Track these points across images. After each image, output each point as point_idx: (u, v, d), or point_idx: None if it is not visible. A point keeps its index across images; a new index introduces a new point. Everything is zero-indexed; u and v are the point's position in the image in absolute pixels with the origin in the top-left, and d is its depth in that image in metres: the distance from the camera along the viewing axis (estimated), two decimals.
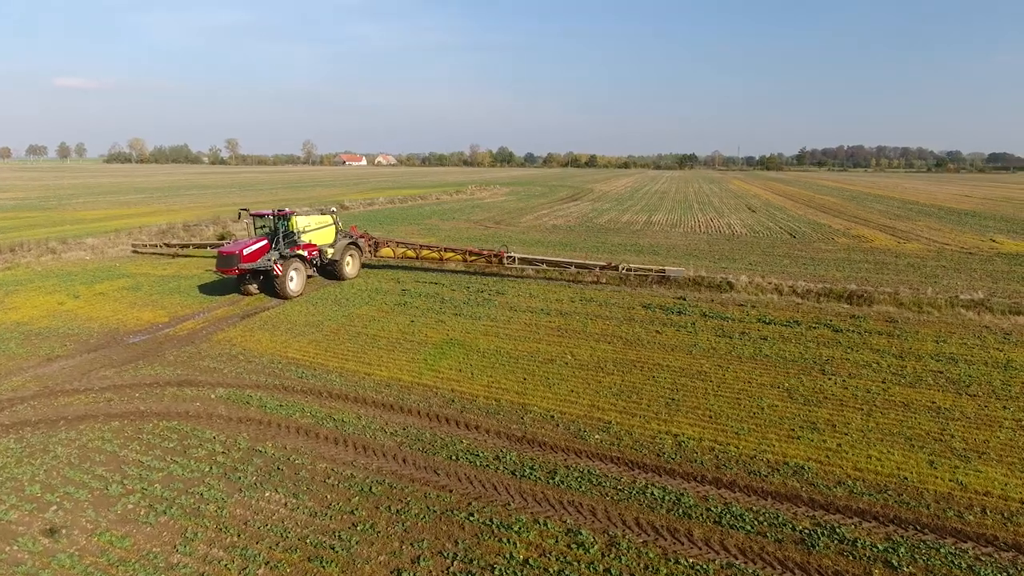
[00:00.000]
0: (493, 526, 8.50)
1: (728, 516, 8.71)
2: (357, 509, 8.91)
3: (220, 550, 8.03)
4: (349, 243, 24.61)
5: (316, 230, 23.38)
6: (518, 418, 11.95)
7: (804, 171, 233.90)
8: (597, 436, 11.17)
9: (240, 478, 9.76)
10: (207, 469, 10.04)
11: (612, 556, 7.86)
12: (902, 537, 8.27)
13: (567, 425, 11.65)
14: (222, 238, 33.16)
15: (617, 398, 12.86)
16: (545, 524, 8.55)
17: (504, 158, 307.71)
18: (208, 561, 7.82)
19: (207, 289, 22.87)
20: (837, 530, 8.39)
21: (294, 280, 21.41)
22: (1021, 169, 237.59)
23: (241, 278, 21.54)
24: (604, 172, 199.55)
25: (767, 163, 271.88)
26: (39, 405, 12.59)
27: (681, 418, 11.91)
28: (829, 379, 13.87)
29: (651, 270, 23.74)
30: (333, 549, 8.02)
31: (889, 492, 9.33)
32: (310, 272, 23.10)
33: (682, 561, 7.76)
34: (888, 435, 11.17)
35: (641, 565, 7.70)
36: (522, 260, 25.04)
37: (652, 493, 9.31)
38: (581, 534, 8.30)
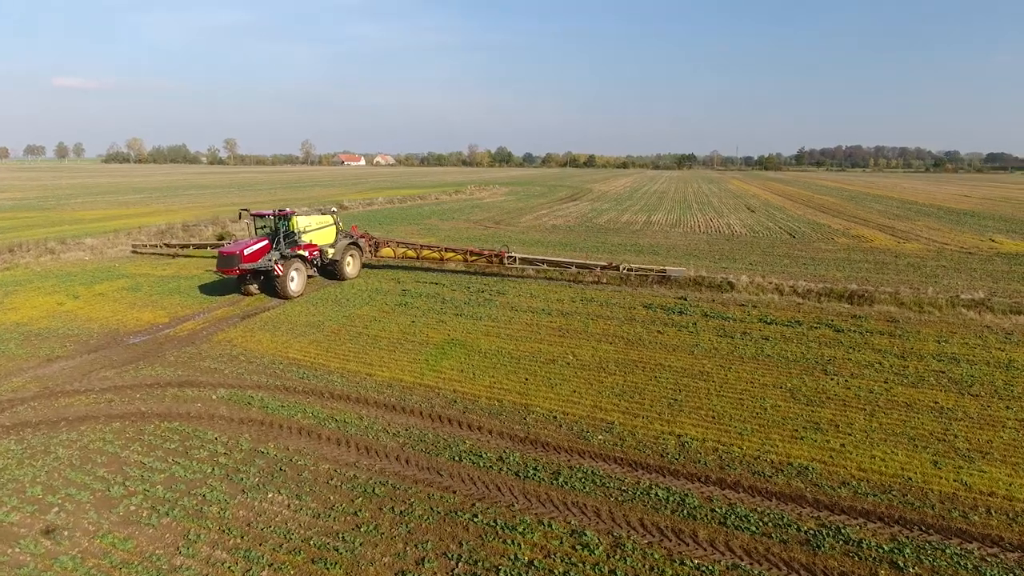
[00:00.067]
0: (497, 527, 8.47)
1: (733, 517, 8.69)
2: (360, 510, 8.87)
3: (223, 552, 7.99)
4: (350, 243, 24.57)
5: (317, 230, 23.34)
6: (521, 419, 11.92)
7: (803, 171, 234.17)
8: (600, 437, 11.15)
9: (242, 479, 9.72)
10: (209, 470, 10.00)
11: (617, 557, 7.83)
12: (907, 538, 8.25)
13: (570, 426, 11.62)
14: (221, 238, 33.09)
15: (620, 398, 12.83)
16: (549, 525, 8.52)
17: (503, 158, 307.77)
18: (211, 563, 7.78)
19: (207, 289, 22.82)
20: (842, 531, 8.37)
21: (295, 280, 21.37)
22: (1019, 169, 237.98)
23: (242, 278, 21.49)
24: (603, 172, 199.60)
25: (766, 163, 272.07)
26: (40, 406, 12.54)
27: (684, 418, 11.88)
28: (831, 379, 13.86)
29: (652, 270, 23.73)
30: (337, 551, 7.99)
31: (893, 492, 9.32)
32: (311, 272, 23.05)
33: (687, 562, 7.74)
34: (891, 435, 11.16)
35: (646, 566, 7.68)
36: (523, 260, 25.01)
37: (656, 494, 9.29)
38: (586, 535, 8.27)
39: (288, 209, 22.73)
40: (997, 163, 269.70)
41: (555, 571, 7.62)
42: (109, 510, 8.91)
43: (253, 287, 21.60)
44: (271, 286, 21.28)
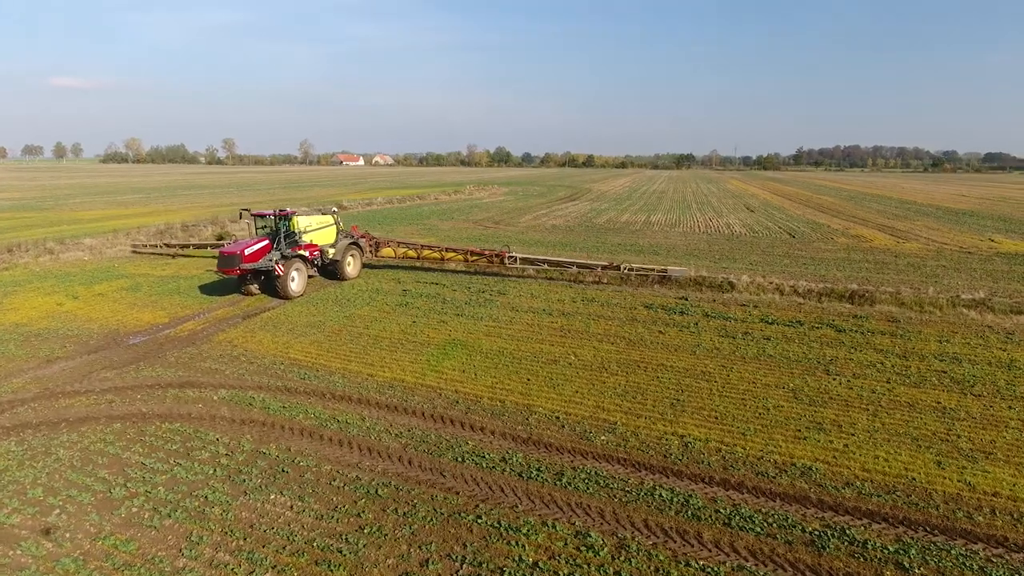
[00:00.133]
0: (501, 528, 8.44)
1: (737, 518, 8.67)
2: (363, 512, 8.84)
3: (226, 554, 7.95)
4: (350, 243, 24.53)
5: (317, 230, 23.29)
6: (523, 419, 11.89)
7: (801, 171, 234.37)
8: (603, 437, 11.12)
9: (245, 480, 9.68)
10: (211, 471, 9.96)
11: (622, 559, 7.80)
12: (912, 538, 8.23)
13: (572, 426, 11.59)
14: (220, 238, 33.02)
15: (622, 399, 12.81)
16: (554, 526, 8.49)
17: (501, 158, 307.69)
18: (214, 565, 7.74)
19: (207, 289, 22.76)
20: (847, 531, 8.35)
21: (295, 280, 21.32)
22: (1017, 169, 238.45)
23: (242, 278, 21.44)
24: (601, 172, 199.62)
25: (764, 163, 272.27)
26: (40, 407, 12.49)
27: (687, 419, 11.86)
28: (834, 379, 13.84)
29: (653, 270, 23.70)
30: (340, 552, 7.95)
31: (898, 493, 9.30)
32: (311, 272, 23.00)
33: (693, 563, 7.71)
34: (895, 435, 11.14)
35: (652, 568, 7.65)
36: (523, 260, 24.99)
37: (660, 495, 9.26)
38: (590, 536, 8.24)
39: (289, 209, 22.68)
40: (995, 163, 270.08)
41: (560, 573, 7.59)
42: (111, 512, 8.87)
43: (254, 287, 21.55)
44: (272, 286, 21.23)
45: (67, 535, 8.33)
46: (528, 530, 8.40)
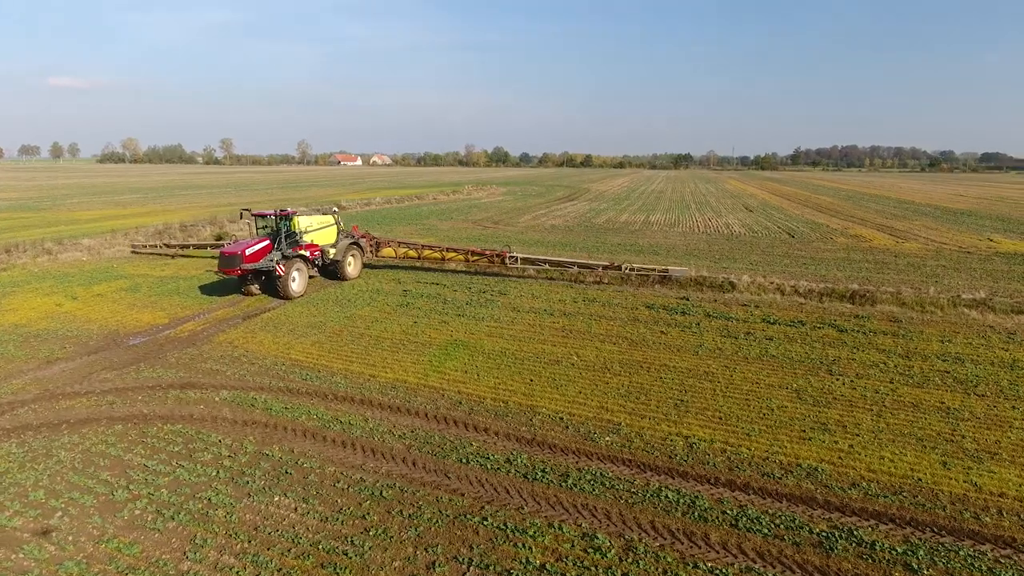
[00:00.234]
0: (507, 530, 8.39)
1: (744, 519, 8.63)
2: (369, 514, 8.78)
3: (231, 557, 7.89)
4: (351, 243, 24.47)
5: (318, 230, 23.22)
6: (527, 420, 11.85)
7: (799, 171, 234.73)
8: (607, 438, 11.08)
9: (248, 482, 9.62)
10: (214, 473, 9.89)
11: (630, 560, 7.76)
12: (920, 539, 8.21)
13: (576, 427, 11.55)
14: (219, 238, 32.93)
15: (625, 399, 12.77)
16: (560, 528, 8.44)
17: (499, 158, 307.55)
18: (219, 568, 7.68)
19: (206, 290, 22.67)
20: (855, 533, 8.32)
21: (296, 280, 21.25)
22: (1014, 169, 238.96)
23: (243, 278, 21.37)
24: (600, 172, 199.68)
25: (762, 163, 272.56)
26: (40, 408, 12.40)
27: (691, 419, 11.83)
28: (837, 379, 13.83)
29: (654, 270, 23.68)
30: (346, 555, 7.89)
31: (904, 494, 9.28)
32: (312, 272, 22.93)
33: (701, 565, 7.67)
34: (899, 436, 11.12)
35: (660, 570, 7.61)
36: (524, 260, 24.95)
37: (666, 496, 9.22)
38: (597, 538, 8.20)
39: (290, 209, 22.61)
40: (992, 163, 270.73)
41: (568, 575, 7.55)
42: (113, 514, 8.80)
43: (254, 287, 21.48)
44: (272, 286, 21.16)
45: (69, 538, 8.26)
46: (535, 532, 8.35)
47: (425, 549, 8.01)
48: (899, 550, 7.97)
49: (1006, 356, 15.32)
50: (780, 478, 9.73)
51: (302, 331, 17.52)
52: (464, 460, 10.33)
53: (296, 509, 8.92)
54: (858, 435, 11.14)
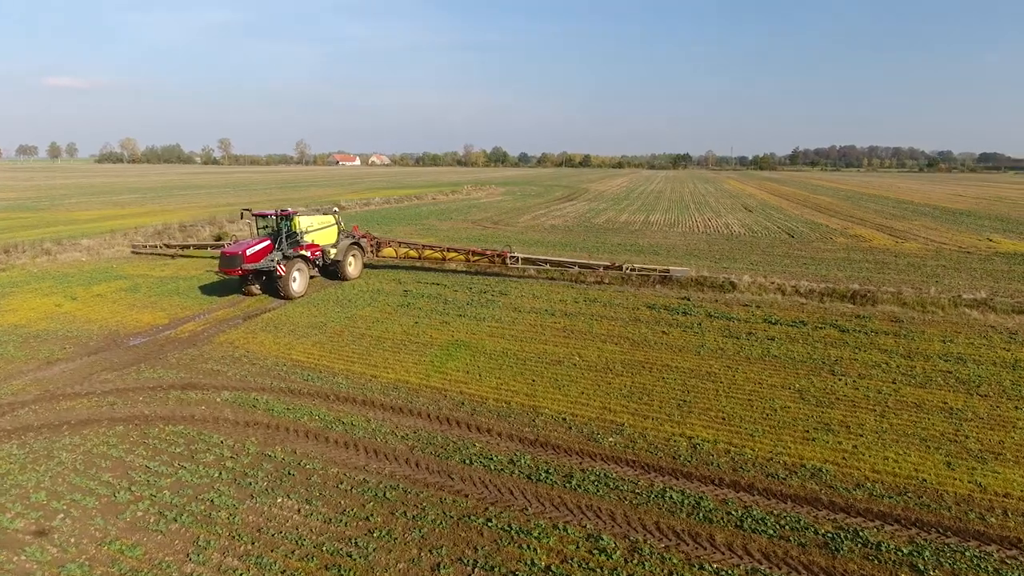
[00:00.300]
0: (512, 532, 8.36)
1: (749, 520, 8.61)
2: (372, 515, 8.75)
3: (234, 559, 7.85)
4: (351, 243, 24.43)
5: (319, 230, 23.17)
6: (530, 421, 11.82)
7: (797, 171, 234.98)
8: (611, 439, 11.05)
9: (251, 484, 9.58)
10: (216, 475, 9.85)
11: (635, 562, 7.74)
12: (926, 540, 8.19)
13: (580, 428, 11.52)
14: (219, 239, 32.86)
15: (628, 400, 12.74)
16: (565, 529, 8.41)
17: (498, 158, 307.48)
18: (223, 570, 7.64)
19: (206, 290, 22.61)
20: (860, 533, 8.30)
21: (297, 280, 21.20)
22: (1012, 169, 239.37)
23: (244, 279, 21.32)
24: (598, 172, 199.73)
25: (760, 163, 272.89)
26: (41, 409, 12.35)
27: (694, 420, 11.80)
28: (839, 380, 13.81)
29: (655, 270, 23.67)
30: (351, 557, 7.85)
31: (909, 494, 9.26)
32: (313, 272, 22.89)
33: (707, 567, 7.65)
34: (903, 436, 11.11)
35: (665, 571, 7.59)
36: (525, 260, 24.93)
37: (671, 497, 9.20)
38: (602, 539, 8.17)
39: (290, 209, 22.56)
40: (990, 163, 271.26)
41: None
42: (116, 516, 8.75)
43: (255, 287, 21.43)
44: (273, 286, 21.11)
45: (72, 540, 8.21)
46: (539, 533, 8.32)
47: (430, 551, 7.98)
48: (905, 551, 7.95)
49: (1008, 356, 15.32)
50: (784, 479, 9.71)
51: (303, 331, 17.47)
52: (467, 461, 10.30)
53: (299, 510, 8.88)
54: (862, 435, 11.13)
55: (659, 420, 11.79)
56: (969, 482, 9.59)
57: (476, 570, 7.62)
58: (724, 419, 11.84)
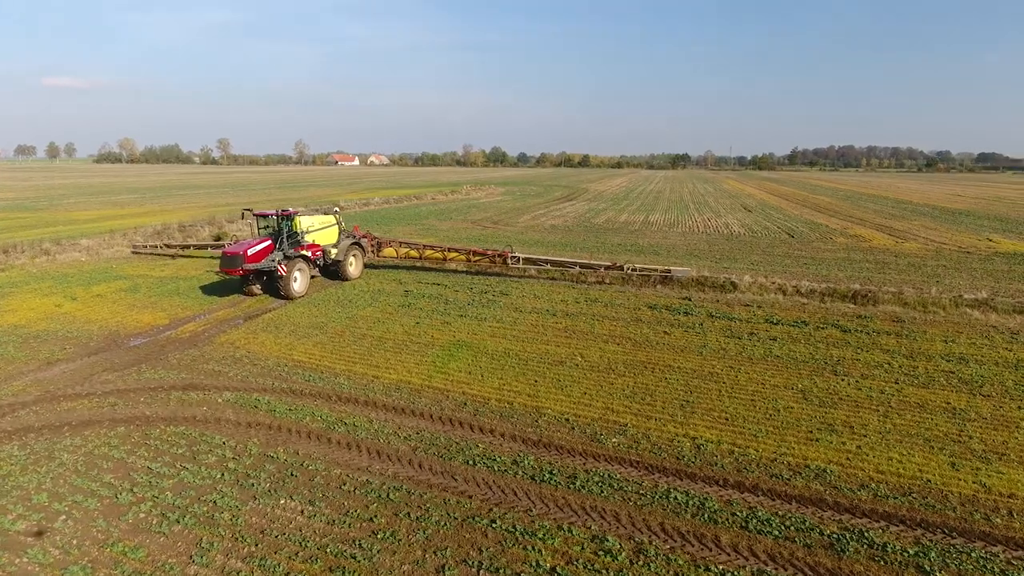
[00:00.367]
0: (517, 533, 8.33)
1: (754, 521, 8.58)
2: (376, 516, 8.71)
3: (238, 560, 7.81)
4: (352, 243, 24.39)
5: (320, 230, 23.13)
6: (532, 421, 11.79)
7: (796, 171, 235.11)
8: (614, 439, 11.02)
9: (253, 485, 9.54)
10: (219, 476, 9.81)
11: (641, 563, 7.71)
12: (931, 541, 8.17)
13: (583, 428, 11.49)
14: (218, 239, 32.81)
15: (631, 400, 12.72)
16: (570, 530, 8.38)
17: (497, 158, 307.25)
18: (226, 572, 7.60)
19: (207, 290, 22.55)
20: (866, 534, 8.28)
21: (298, 280, 21.16)
22: (1010, 169, 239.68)
23: (245, 279, 21.27)
24: (597, 172, 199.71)
25: (759, 163, 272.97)
26: (42, 410, 12.29)
27: (697, 420, 11.78)
28: (842, 380, 13.80)
29: (656, 270, 23.65)
30: (355, 558, 7.82)
31: (914, 495, 9.24)
32: (313, 273, 22.85)
33: (712, 568, 7.62)
34: (906, 436, 11.09)
35: (671, 572, 7.56)
36: (526, 260, 24.91)
37: (675, 498, 9.17)
38: (607, 541, 8.14)
39: (291, 209, 22.52)
40: (988, 163, 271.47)
41: None
42: (118, 518, 8.71)
43: (256, 287, 21.39)
44: (274, 287, 21.07)
45: (74, 541, 8.17)
46: (544, 534, 8.29)
47: (434, 552, 7.94)
48: (911, 552, 7.93)
49: (1010, 356, 15.31)
50: (789, 479, 9.69)
51: (304, 332, 17.43)
52: (471, 462, 10.27)
53: (303, 512, 8.84)
54: (865, 436, 11.11)
55: (662, 421, 11.77)
56: (974, 483, 9.57)
57: (481, 572, 7.59)
58: (727, 419, 11.82)
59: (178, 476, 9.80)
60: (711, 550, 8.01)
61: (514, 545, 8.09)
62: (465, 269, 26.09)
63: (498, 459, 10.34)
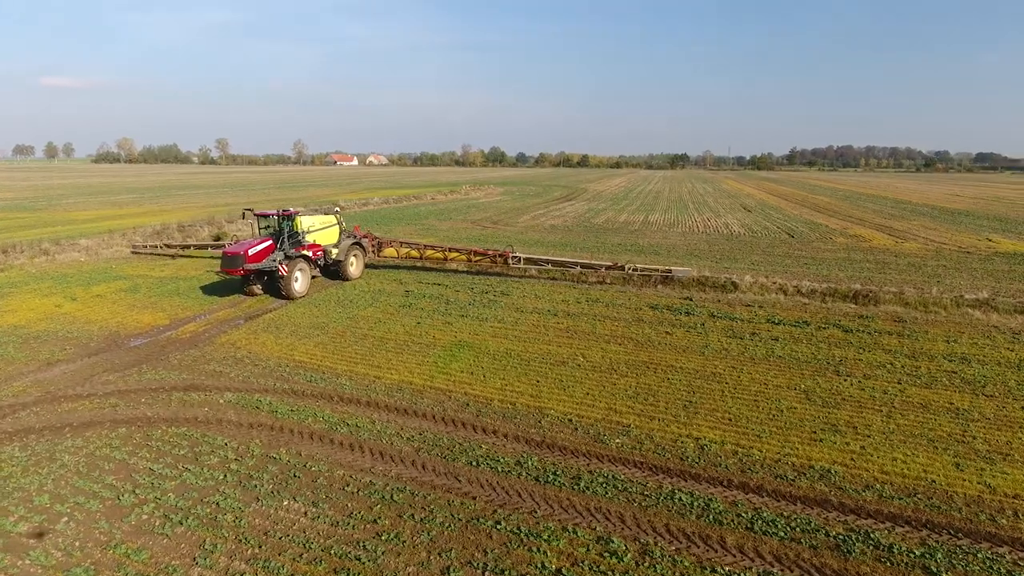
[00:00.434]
0: (521, 534, 8.30)
1: (760, 522, 8.56)
2: (380, 518, 8.67)
3: (242, 562, 7.77)
4: (353, 243, 24.35)
5: (320, 230, 23.09)
6: (535, 422, 11.76)
7: (795, 171, 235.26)
8: (618, 440, 10.99)
9: (256, 486, 9.50)
10: (221, 477, 9.77)
11: (646, 565, 7.68)
12: (937, 542, 8.15)
13: (586, 429, 11.46)
14: (218, 239, 32.76)
15: (634, 401, 12.69)
16: (575, 532, 8.35)
17: (496, 158, 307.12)
18: (230, 574, 7.55)
19: (207, 290, 22.50)
20: (871, 535, 8.25)
21: (299, 281, 21.12)
22: (1008, 169, 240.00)
23: (245, 279, 21.23)
24: (596, 172, 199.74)
25: (758, 163, 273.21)
26: (42, 411, 12.24)
27: (700, 421, 11.75)
28: (845, 380, 13.78)
29: (657, 270, 23.63)
30: (359, 560, 7.78)
31: (918, 495, 9.22)
32: (314, 273, 22.80)
33: (718, 569, 7.59)
34: (910, 437, 11.08)
35: (677, 574, 7.53)
36: (527, 260, 24.88)
37: (680, 499, 9.14)
38: (612, 542, 8.11)
39: (292, 209, 22.48)
40: (987, 163, 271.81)
41: None
42: (120, 519, 8.67)
43: (257, 288, 21.35)
44: (275, 287, 21.02)
45: (76, 543, 8.13)
46: (549, 536, 8.26)
47: (439, 554, 7.91)
48: (917, 553, 7.91)
49: (1012, 356, 15.31)
50: (793, 480, 9.66)
51: (305, 332, 17.38)
52: (474, 463, 10.23)
53: (306, 513, 8.81)
54: (869, 436, 11.09)
55: (665, 421, 11.74)
56: (978, 483, 9.56)
57: (486, 573, 7.56)
58: (731, 420, 11.79)
59: (180, 477, 9.76)
60: (717, 551, 7.98)
61: (519, 547, 8.06)
62: (466, 269, 26.06)
63: (502, 460, 10.30)
